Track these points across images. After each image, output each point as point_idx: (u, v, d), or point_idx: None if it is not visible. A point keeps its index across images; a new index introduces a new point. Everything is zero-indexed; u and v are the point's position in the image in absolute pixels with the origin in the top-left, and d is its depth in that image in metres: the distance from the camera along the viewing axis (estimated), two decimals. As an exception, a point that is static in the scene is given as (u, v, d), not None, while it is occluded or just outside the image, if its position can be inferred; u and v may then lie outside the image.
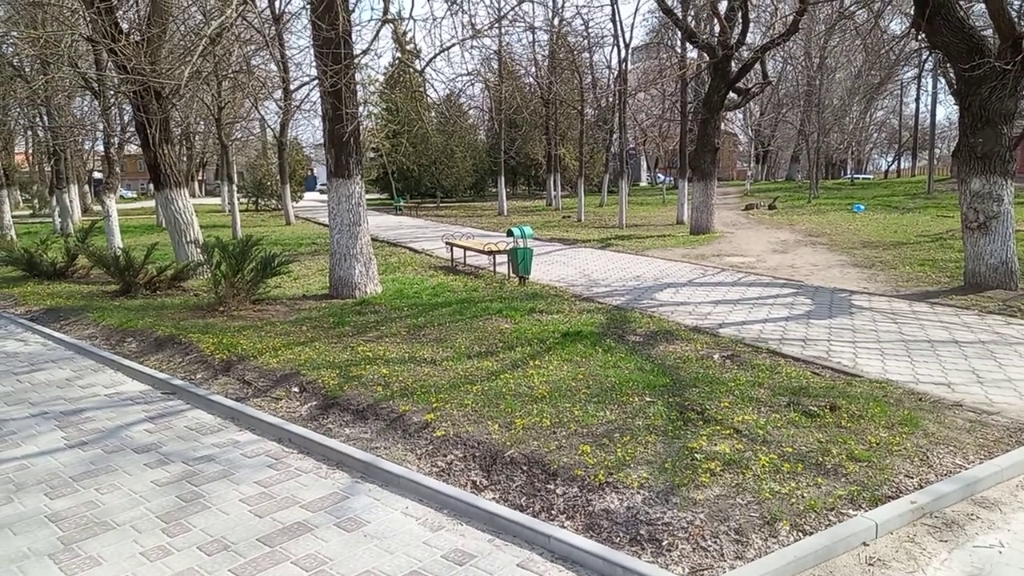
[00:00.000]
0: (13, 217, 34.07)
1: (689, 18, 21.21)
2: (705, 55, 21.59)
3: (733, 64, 18.31)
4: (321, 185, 65.54)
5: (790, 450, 4.27)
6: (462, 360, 6.61)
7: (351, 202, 10.16)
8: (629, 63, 26.92)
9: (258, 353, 6.97)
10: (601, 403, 5.16)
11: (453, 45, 9.48)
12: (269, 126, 31.80)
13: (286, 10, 24.09)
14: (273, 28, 23.06)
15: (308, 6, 9.35)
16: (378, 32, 9.70)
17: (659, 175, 59.69)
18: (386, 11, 9.41)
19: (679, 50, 26.86)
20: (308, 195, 49.40)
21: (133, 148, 24.53)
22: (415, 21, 9.01)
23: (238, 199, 25.77)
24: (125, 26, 13.82)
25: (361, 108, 10.04)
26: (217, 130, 23.77)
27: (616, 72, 32.86)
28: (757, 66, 20.07)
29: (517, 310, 8.74)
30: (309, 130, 47.31)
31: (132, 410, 5.76)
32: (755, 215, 25.57)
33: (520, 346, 7.02)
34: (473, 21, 9.85)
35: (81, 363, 7.27)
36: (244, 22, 18.83)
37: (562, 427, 4.74)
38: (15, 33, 17.40)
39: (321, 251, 16.94)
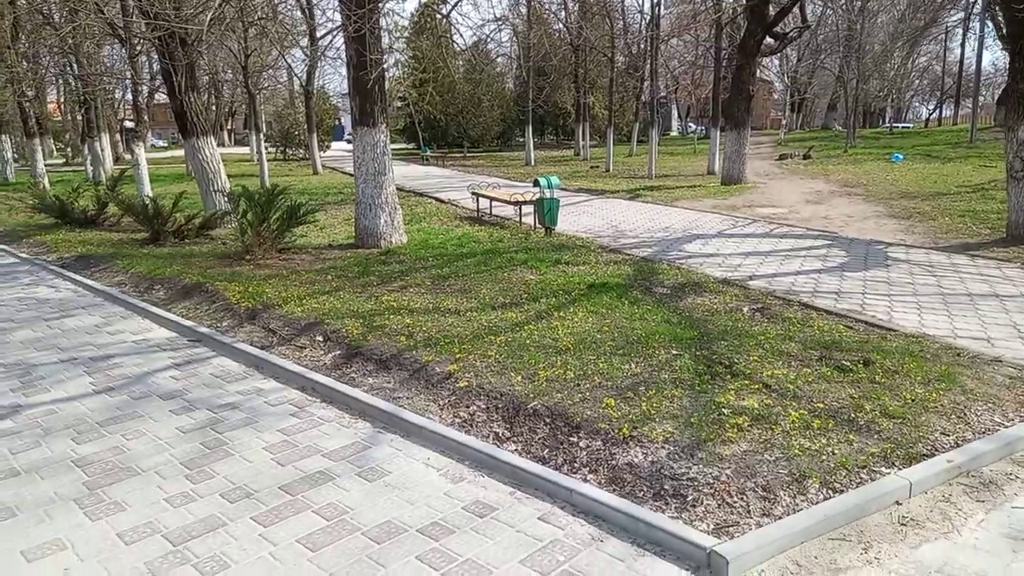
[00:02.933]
0: (46, 165, 34.58)
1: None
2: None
3: (771, 7, 17.58)
4: (348, 134, 65.21)
5: (821, 406, 4.14)
6: (486, 311, 6.54)
7: (376, 151, 10.02)
8: (662, 7, 26.06)
9: (283, 302, 6.97)
10: (626, 356, 5.07)
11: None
12: (296, 74, 31.54)
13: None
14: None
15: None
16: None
17: (690, 124, 58.37)
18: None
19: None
20: (335, 144, 49.15)
21: (162, 97, 24.51)
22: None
23: (266, 148, 25.76)
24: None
25: (386, 55, 9.80)
26: (244, 79, 23.61)
27: (648, 17, 31.92)
28: (796, 9, 19.26)
29: (542, 261, 8.62)
30: (336, 79, 46.86)
31: (159, 357, 5.81)
32: (789, 165, 24.91)
33: (545, 297, 6.93)
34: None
35: (110, 310, 7.35)
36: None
37: (586, 379, 4.66)
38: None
39: (347, 201, 16.88)
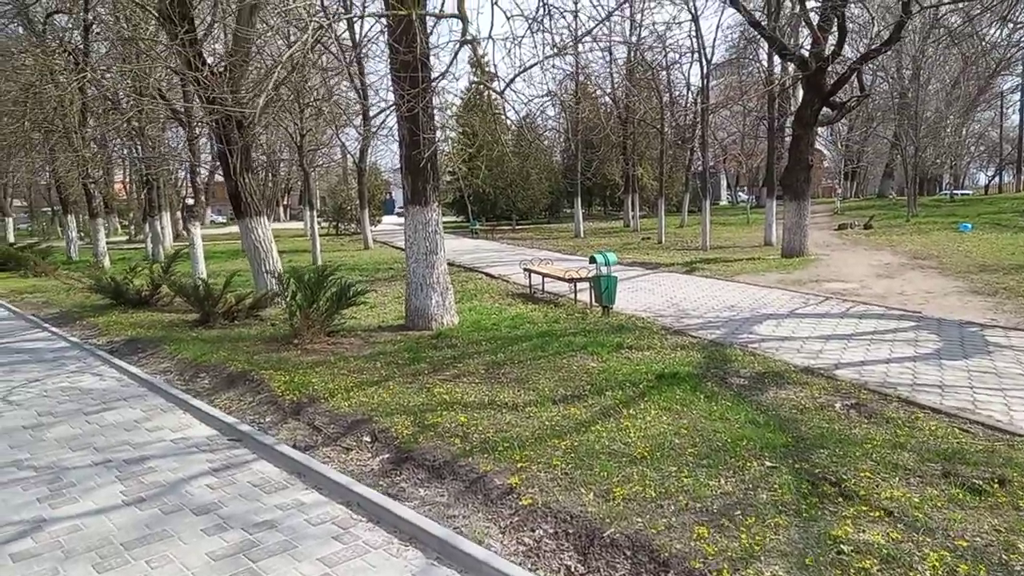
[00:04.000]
0: (111, 243, 35.79)
1: (777, 31, 20.17)
2: (792, 68, 20.51)
3: (827, 77, 17.20)
4: (399, 208, 66.59)
5: (963, 543, 3.44)
6: (547, 406, 5.99)
7: (428, 230, 9.75)
8: (710, 79, 26.02)
9: (329, 394, 6.55)
10: (712, 468, 4.44)
11: (534, 65, 8.99)
12: (349, 152, 32.31)
13: (365, 35, 24.36)
14: (352, 54, 23.38)
15: (386, 29, 9.06)
16: (456, 54, 9.36)
17: (740, 194, 57.84)
18: (465, 32, 9.00)
19: (765, 64, 25.75)
20: (386, 218, 50.07)
21: (221, 176, 25.23)
22: (494, 42, 8.56)
23: (319, 224, 26.14)
24: (210, 59, 14.02)
25: (438, 133, 9.66)
26: (299, 157, 24.16)
27: (697, 89, 31.97)
28: (853, 79, 18.83)
29: (603, 345, 8.07)
30: (388, 155, 48.12)
31: (196, 459, 5.39)
32: (849, 235, 24.03)
33: (610, 389, 6.35)
34: (555, 40, 9.35)
35: (152, 402, 7.03)
36: (323, 49, 19.09)
37: (669, 499, 4.04)
38: (113, 69, 18.11)
39: (398, 277, 16.72)
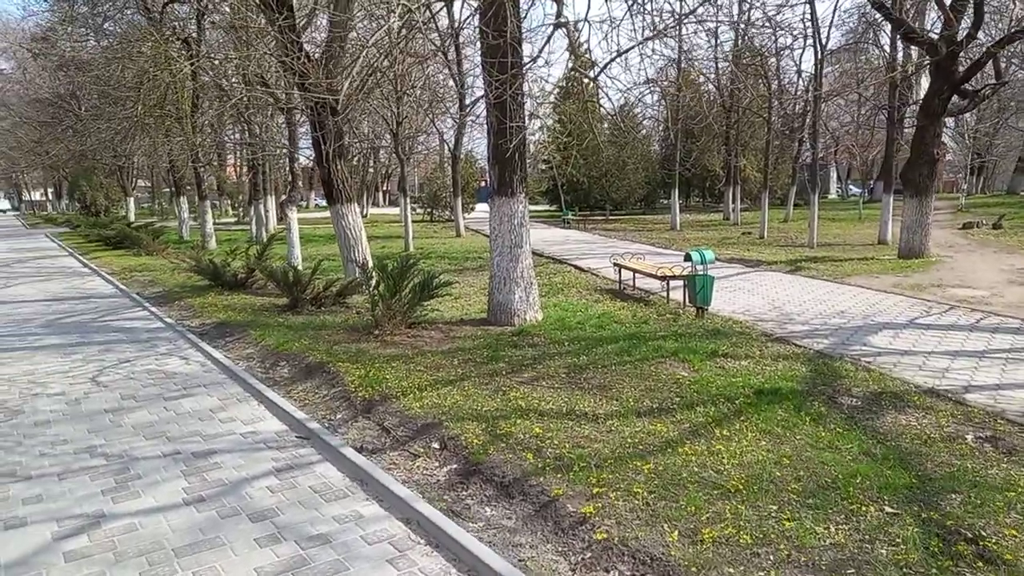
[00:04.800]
0: (221, 224, 37.51)
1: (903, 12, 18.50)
2: (917, 53, 18.81)
3: (959, 63, 15.59)
4: (492, 196, 66.57)
5: None
6: (630, 419, 5.49)
7: (513, 222, 9.37)
8: (823, 66, 24.34)
9: (402, 392, 6.28)
10: (820, 510, 3.84)
11: (632, 48, 8.39)
12: (445, 140, 32.45)
13: (465, 20, 24.15)
14: (449, 40, 23.27)
15: (477, 12, 8.71)
16: (550, 37, 8.87)
17: (851, 187, 54.57)
18: (559, 14, 8.53)
19: (887, 49, 23.88)
20: (479, 206, 50.20)
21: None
22: (590, 24, 8.04)
23: (414, 210, 26.30)
24: (309, 47, 14.13)
25: (529, 121, 9.25)
26: (394, 144, 24.35)
27: (808, 76, 30.09)
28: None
29: (696, 352, 7.45)
30: (483, 143, 48.14)
31: (262, 457, 5.23)
32: (976, 235, 21.96)
33: (702, 404, 5.77)
34: (656, 21, 8.70)
35: (229, 390, 7.00)
36: (419, 33, 19.02)
37: (768, 547, 3.49)
38: (220, 56, 18.68)
39: (486, 266, 16.44)
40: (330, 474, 4.90)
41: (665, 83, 28.94)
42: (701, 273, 9.81)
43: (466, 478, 4.68)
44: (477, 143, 49.45)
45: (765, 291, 12.07)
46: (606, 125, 37.19)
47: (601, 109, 32.07)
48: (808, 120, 29.38)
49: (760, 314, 9.99)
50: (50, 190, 69.69)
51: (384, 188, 67.57)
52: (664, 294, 11.30)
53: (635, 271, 12.11)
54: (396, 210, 47.22)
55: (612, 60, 8.04)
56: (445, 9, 24.31)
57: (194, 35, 21.01)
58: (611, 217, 35.78)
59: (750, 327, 9.03)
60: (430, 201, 38.76)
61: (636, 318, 9.59)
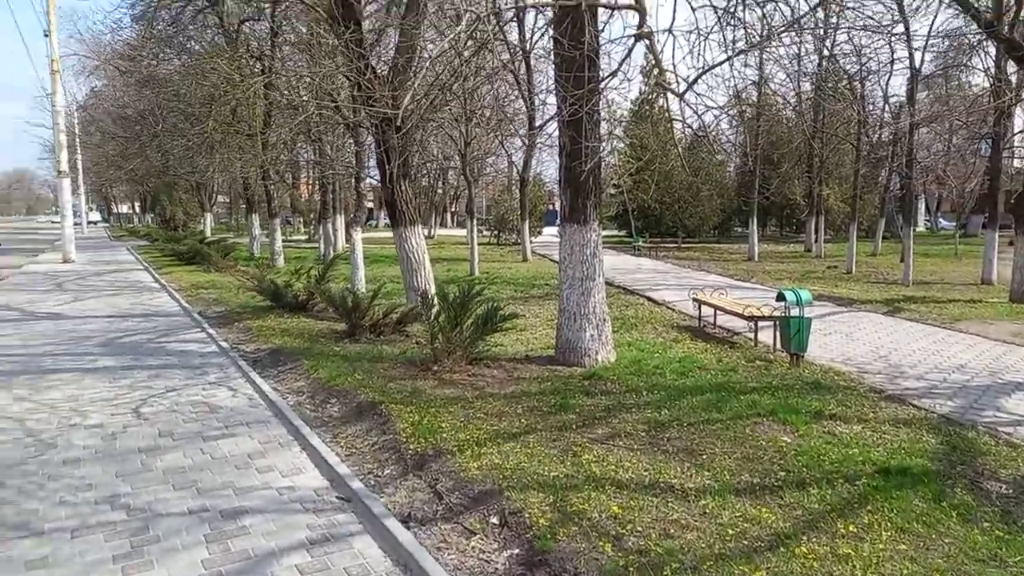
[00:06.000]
0: (291, 242, 38.01)
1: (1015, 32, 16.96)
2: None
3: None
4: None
5: None
6: (727, 498, 4.59)
7: (585, 252, 8.58)
8: (916, 87, 22.77)
9: (458, 447, 5.53)
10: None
11: (723, 62, 7.52)
12: (513, 162, 32.03)
13: (539, 33, 23.65)
14: (519, 55, 22.77)
15: (550, 24, 8.02)
16: (631, 50, 8.10)
17: (940, 220, 51.54)
18: (642, 24, 7.75)
19: (992, 72, 22.12)
20: (546, 230, 49.58)
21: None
22: (674, 37, 7.23)
23: (480, 232, 25.81)
24: (376, 63, 13.79)
25: (608, 141, 8.49)
26: (462, 165, 23.97)
27: (898, 102, 28.39)
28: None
29: (797, 412, 6.45)
30: (552, 166, 47.53)
31: (296, 523, 4.55)
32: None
33: (815, 484, 4.81)
34: (749, 34, 7.83)
35: (273, 431, 6.40)
36: (488, 50, 18.57)
37: None
38: (291, 74, 18.67)
39: (552, 295, 15.71)
40: (370, 552, 4.17)
41: (744, 107, 27.71)
42: (796, 315, 8.78)
43: (530, 570, 3.87)
44: (545, 165, 48.90)
45: (865, 335, 10.88)
46: (681, 149, 36.10)
47: (676, 132, 31.07)
48: (899, 148, 27.65)
49: (864, 364, 8.86)
50: (136, 204, 72.84)
51: (452, 209, 67.82)
52: (751, 335, 10.28)
53: (717, 308, 11.11)
54: (463, 231, 47.06)
55: (702, 74, 7.19)
56: (515, 23, 23.92)
57: (267, 52, 21.20)
58: (683, 245, 34.51)
59: (855, 380, 7.94)
60: (497, 224, 38.34)
61: (722, 364, 8.61)
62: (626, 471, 5.07)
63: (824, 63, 26.65)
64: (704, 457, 5.37)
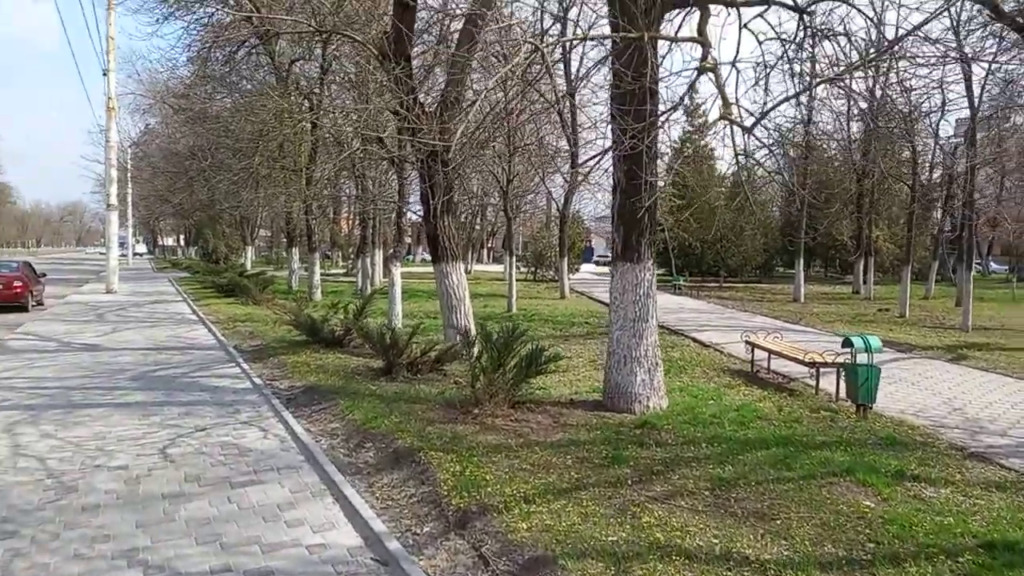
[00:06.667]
0: (329, 275, 38.13)
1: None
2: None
3: None
4: (598, 256, 65.41)
5: None
6: (811, 573, 4.03)
7: (638, 292, 8.11)
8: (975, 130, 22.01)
9: (505, 504, 5.05)
10: None
11: (793, 96, 7.10)
12: (554, 199, 31.76)
13: (585, 69, 23.54)
14: (566, 100, 22.64)
15: (607, 58, 7.70)
16: (693, 83, 7.74)
17: (991, 263, 49.79)
18: (705, 56, 7.38)
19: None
20: (584, 267, 49.14)
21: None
22: (738, 71, 6.83)
23: (518, 268, 25.46)
24: (426, 98, 13.68)
25: (669, 176, 8.09)
26: (503, 202, 23.79)
27: (952, 143, 27.54)
28: None
29: (876, 471, 5.84)
30: (591, 203, 47.22)
31: (327, 589, 4.11)
32: None
33: (911, 559, 4.22)
34: (818, 68, 7.42)
35: (304, 479, 5.98)
36: (537, 94, 18.42)
37: None
38: (338, 111, 18.77)
39: (594, 334, 15.21)
40: (408, 630, 3.71)
41: (789, 146, 27.10)
42: (864, 363, 8.15)
43: (591, 658, 3.36)
44: (585, 203, 48.69)
45: (933, 385, 10.15)
46: (722, 189, 35.49)
47: (722, 168, 30.46)
48: (953, 189, 26.72)
49: (938, 417, 8.17)
50: (181, 236, 74.50)
51: (489, 245, 67.89)
52: (809, 381, 9.64)
53: (773, 352, 10.50)
54: (499, 267, 46.86)
55: (772, 109, 6.80)
56: (561, 64, 23.82)
57: (315, 91, 21.44)
58: (725, 284, 33.69)
59: (931, 436, 7.28)
60: (535, 260, 38.02)
61: (783, 414, 8.00)
62: (693, 538, 4.53)
63: (875, 103, 26.02)
64: (778, 523, 4.81)
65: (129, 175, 48.57)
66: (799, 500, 5.21)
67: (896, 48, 7.44)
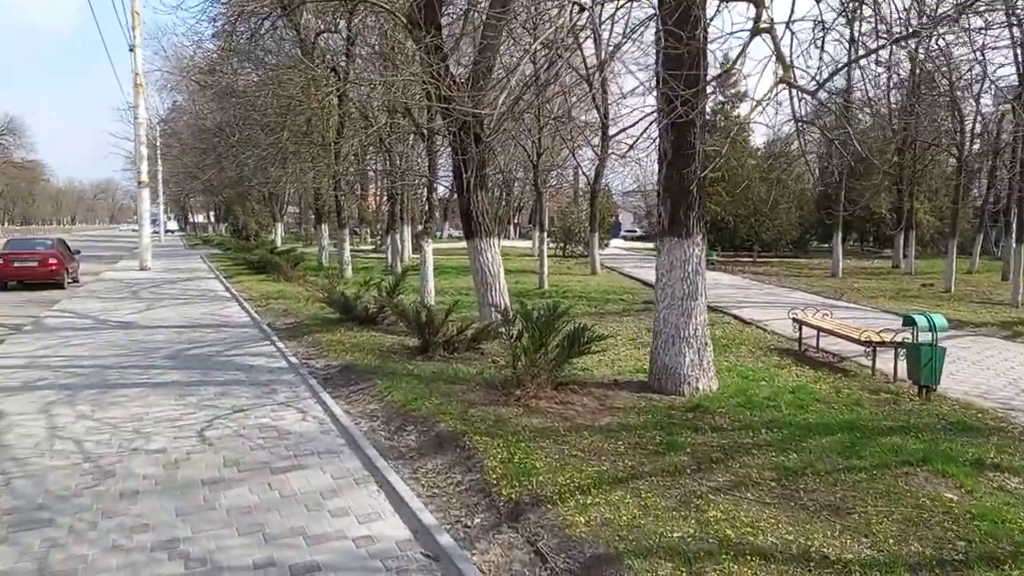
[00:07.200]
0: (359, 251, 38.08)
1: None
2: None
3: None
4: (626, 231, 64.67)
5: None
6: (900, 575, 3.70)
7: (687, 268, 7.72)
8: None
9: (559, 494, 4.77)
10: None
11: (858, 59, 6.58)
12: (584, 172, 31.17)
13: (620, 41, 22.83)
14: (598, 74, 22.02)
15: (657, 15, 7.22)
16: (746, 46, 7.24)
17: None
18: (759, 16, 6.90)
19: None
20: (613, 242, 48.56)
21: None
22: (793, 33, 6.34)
23: (547, 244, 25.03)
24: (456, 69, 13.28)
25: (727, 144, 7.62)
26: (534, 177, 23.35)
27: (998, 113, 26.36)
28: None
29: (953, 460, 5.45)
30: (619, 177, 46.43)
31: (376, 586, 3.88)
32: None
33: (1011, 560, 3.86)
34: (890, 25, 6.86)
35: (346, 464, 5.75)
36: (573, 62, 17.89)
37: None
38: (365, 82, 18.43)
39: (630, 311, 14.85)
40: (466, 636, 3.45)
41: (827, 119, 26.17)
42: (927, 342, 7.70)
43: (670, 672, 3.07)
44: (613, 176, 47.96)
45: (994, 364, 9.66)
46: (755, 162, 34.57)
47: (752, 143, 29.61)
48: (999, 160, 25.69)
49: (1005, 398, 7.73)
50: (211, 213, 75.08)
51: (515, 221, 67.43)
52: (862, 360, 9.22)
53: (823, 331, 10.06)
54: (526, 243, 46.41)
55: (836, 72, 6.29)
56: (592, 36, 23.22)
57: (342, 64, 21.10)
58: (759, 259, 32.97)
59: (1003, 419, 6.85)
60: (563, 235, 37.55)
61: (841, 396, 7.60)
62: (766, 535, 4.21)
63: (917, 69, 24.97)
64: (855, 517, 4.47)
65: (159, 152, 48.84)
66: (875, 492, 4.85)
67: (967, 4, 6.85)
